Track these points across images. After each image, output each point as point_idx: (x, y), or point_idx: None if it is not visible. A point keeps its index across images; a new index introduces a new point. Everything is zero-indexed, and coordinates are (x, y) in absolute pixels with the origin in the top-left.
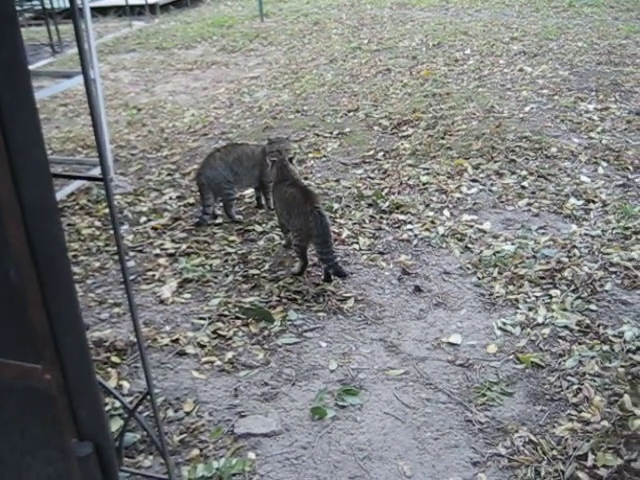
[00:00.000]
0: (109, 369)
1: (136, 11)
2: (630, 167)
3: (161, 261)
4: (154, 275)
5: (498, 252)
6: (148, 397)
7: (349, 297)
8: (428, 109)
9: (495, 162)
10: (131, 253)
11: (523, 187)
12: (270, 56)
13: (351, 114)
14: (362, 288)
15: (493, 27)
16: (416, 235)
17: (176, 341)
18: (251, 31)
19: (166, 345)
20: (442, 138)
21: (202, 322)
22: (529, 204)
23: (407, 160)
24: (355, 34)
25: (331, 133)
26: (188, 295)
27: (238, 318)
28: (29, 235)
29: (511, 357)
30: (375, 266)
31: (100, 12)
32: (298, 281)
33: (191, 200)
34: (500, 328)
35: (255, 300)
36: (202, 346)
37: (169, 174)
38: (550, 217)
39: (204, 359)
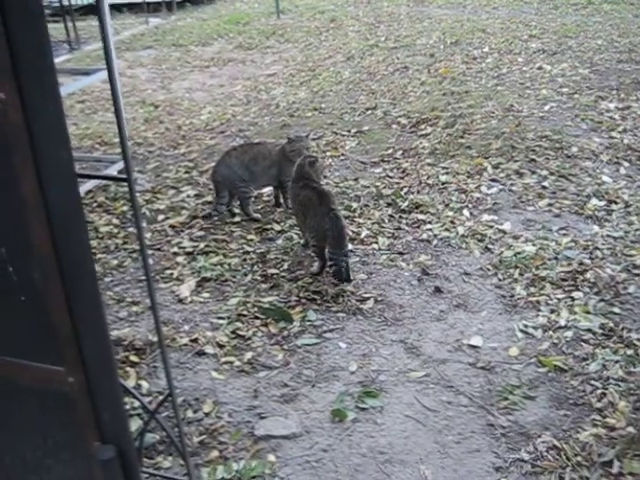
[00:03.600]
0: (128, 368)
1: (152, 8)
2: None
3: (179, 259)
4: (172, 274)
5: (519, 253)
6: (169, 398)
7: (369, 298)
8: (447, 107)
9: (515, 161)
10: (149, 251)
11: (544, 187)
12: (287, 53)
13: (369, 112)
14: (382, 288)
15: (511, 25)
16: (435, 235)
17: (195, 340)
18: (267, 28)
19: (185, 345)
20: (461, 137)
21: (221, 322)
22: (550, 204)
23: (426, 159)
24: (372, 31)
25: (349, 131)
26: (207, 294)
27: (257, 318)
28: (54, 236)
29: (533, 360)
30: (395, 266)
31: (115, 9)
32: (317, 281)
33: (209, 198)
34: (522, 330)
35: (274, 300)
36: (221, 346)
37: (187, 172)
38: (571, 218)
39: (223, 359)
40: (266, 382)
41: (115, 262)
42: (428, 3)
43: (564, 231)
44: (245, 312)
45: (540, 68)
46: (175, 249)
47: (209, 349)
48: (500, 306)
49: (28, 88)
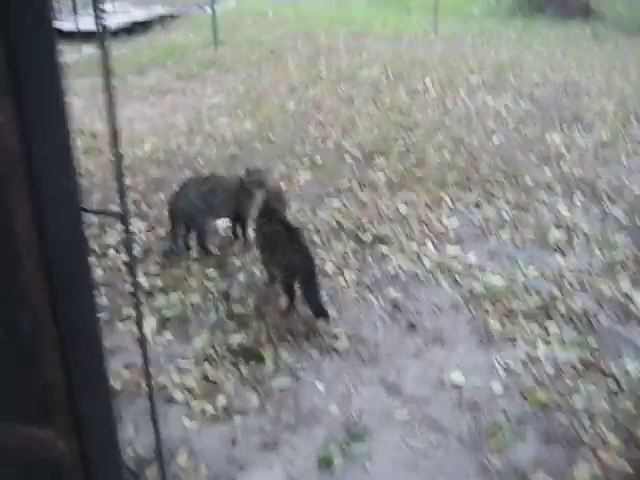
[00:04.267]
0: None
1: (84, 37)
2: (605, 198)
3: None
4: (129, 314)
5: (488, 286)
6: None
7: (342, 335)
8: (398, 139)
9: (472, 193)
10: (102, 289)
11: (503, 218)
12: (228, 84)
13: (320, 144)
14: (354, 325)
15: (449, 59)
16: (402, 269)
17: (162, 387)
18: (206, 59)
19: None
20: (416, 168)
21: (188, 364)
22: (512, 236)
23: (383, 191)
24: (312, 63)
25: (302, 163)
26: (169, 335)
27: (226, 359)
28: (50, 279)
29: (517, 396)
30: (365, 301)
31: None
32: (286, 318)
33: (161, 231)
34: (501, 365)
35: (243, 340)
36: (191, 391)
37: (134, 203)
38: (535, 249)
39: (194, 405)
40: (243, 429)
41: None
42: (364, 36)
43: (529, 263)
44: (213, 353)
45: (483, 101)
46: (130, 287)
47: (178, 395)
48: (476, 340)
49: (31, 110)
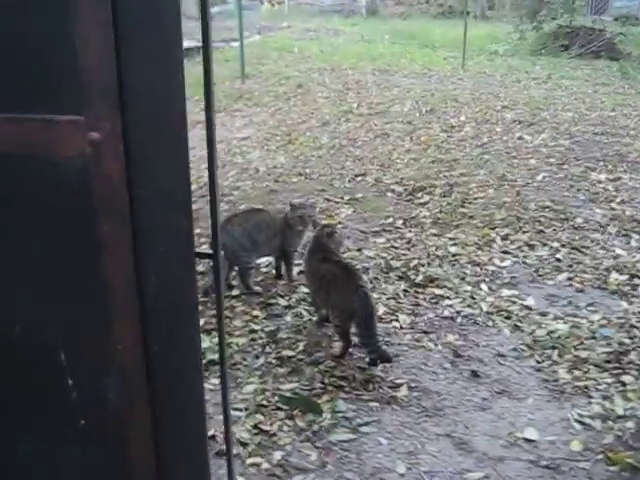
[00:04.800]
0: None
1: None
2: None
3: None
4: None
5: (552, 332)
6: None
7: (401, 384)
8: (439, 175)
9: (524, 233)
10: None
11: (558, 260)
12: (257, 117)
13: (359, 179)
14: (413, 373)
15: (480, 95)
16: (458, 312)
17: (212, 438)
18: (233, 91)
19: None
20: (462, 206)
21: (239, 413)
22: (569, 278)
23: (430, 229)
24: (342, 98)
25: (342, 198)
26: (216, 380)
27: (280, 409)
28: (147, 342)
29: (600, 456)
30: (422, 347)
31: None
32: (341, 365)
33: (200, 268)
34: (578, 421)
35: (296, 387)
36: (244, 444)
37: None
38: (595, 293)
39: (249, 461)
40: None
41: None
42: (393, 72)
43: (592, 307)
44: (265, 402)
45: (520, 138)
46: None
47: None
48: (546, 392)
49: (142, 127)
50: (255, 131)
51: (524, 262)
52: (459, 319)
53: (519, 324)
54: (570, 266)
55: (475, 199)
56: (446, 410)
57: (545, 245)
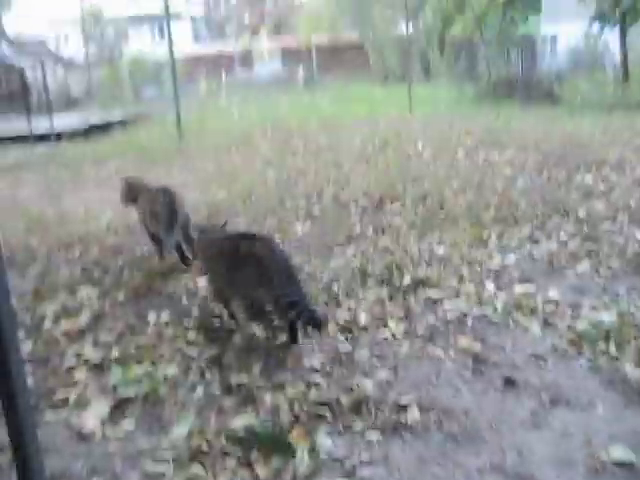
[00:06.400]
0: None
1: (38, 139)
2: None
3: (79, 375)
4: (67, 397)
5: (597, 324)
6: None
7: (408, 404)
8: (407, 187)
9: (522, 229)
10: (28, 367)
11: (573, 251)
12: (195, 165)
13: (315, 197)
14: (422, 388)
15: (433, 129)
16: (465, 313)
17: None
18: (170, 148)
19: None
20: (441, 209)
21: (163, 467)
22: (594, 267)
23: (408, 234)
24: (286, 143)
25: (296, 215)
26: (130, 424)
27: (228, 454)
28: None
29: None
30: (427, 357)
31: None
32: (318, 387)
33: (120, 297)
34: None
35: (252, 422)
36: None
37: (84, 270)
38: (632, 278)
39: None
40: None
41: None
42: (338, 119)
43: (636, 293)
44: (205, 447)
45: (488, 156)
46: (72, 361)
47: None
48: (616, 395)
49: None
50: (193, 178)
51: (531, 257)
52: (469, 321)
53: (549, 319)
54: (589, 255)
55: (454, 204)
56: (483, 433)
57: (550, 238)
